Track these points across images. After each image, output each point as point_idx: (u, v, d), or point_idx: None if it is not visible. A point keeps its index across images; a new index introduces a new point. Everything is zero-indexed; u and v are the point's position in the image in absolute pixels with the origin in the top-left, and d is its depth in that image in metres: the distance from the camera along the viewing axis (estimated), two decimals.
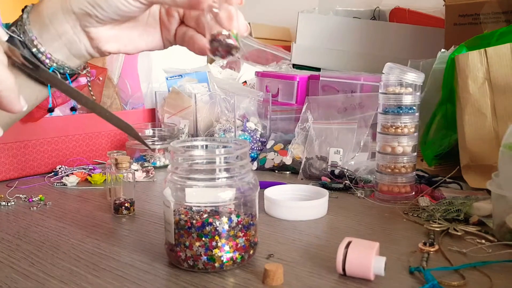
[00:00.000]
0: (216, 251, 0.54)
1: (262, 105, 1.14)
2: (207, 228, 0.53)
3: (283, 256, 0.60)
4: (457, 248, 0.61)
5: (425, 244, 0.62)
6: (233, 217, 0.55)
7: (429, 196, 0.79)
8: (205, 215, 0.55)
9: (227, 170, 0.55)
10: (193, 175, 0.54)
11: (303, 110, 1.05)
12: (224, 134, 1.11)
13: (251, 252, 0.57)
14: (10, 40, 0.52)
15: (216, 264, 0.54)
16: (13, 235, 0.68)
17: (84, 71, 0.59)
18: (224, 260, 0.54)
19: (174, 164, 0.56)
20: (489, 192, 0.77)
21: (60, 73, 0.55)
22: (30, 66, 0.51)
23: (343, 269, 0.53)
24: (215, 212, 0.55)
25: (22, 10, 0.54)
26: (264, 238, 0.65)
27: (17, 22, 0.53)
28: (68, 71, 0.56)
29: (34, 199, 0.84)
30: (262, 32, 1.66)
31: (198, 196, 0.54)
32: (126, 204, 0.76)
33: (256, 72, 1.23)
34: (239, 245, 0.55)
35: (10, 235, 0.68)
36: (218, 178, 0.54)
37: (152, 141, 1.10)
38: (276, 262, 0.56)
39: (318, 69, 1.22)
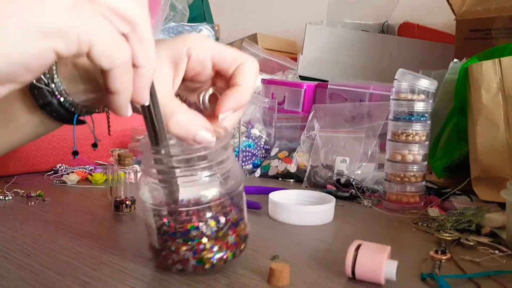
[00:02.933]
0: (204, 253, 0.49)
1: (268, 112, 1.12)
2: (192, 232, 0.48)
3: (288, 258, 0.57)
4: (469, 257, 0.59)
5: (436, 252, 0.59)
6: (221, 218, 0.50)
7: (438, 207, 0.77)
8: (188, 218, 0.49)
9: (208, 167, 0.48)
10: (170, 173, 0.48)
11: (310, 118, 1.04)
12: None
13: (242, 247, 0.53)
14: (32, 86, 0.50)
15: (206, 266, 0.50)
16: (9, 228, 0.66)
17: (104, 111, 0.58)
18: (215, 262, 0.50)
19: (148, 163, 0.50)
20: (500, 205, 0.76)
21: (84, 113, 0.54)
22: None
23: (353, 272, 0.51)
24: (199, 212, 0.49)
25: None
26: (268, 241, 0.63)
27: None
28: (91, 112, 0.55)
29: (32, 194, 0.82)
30: (268, 43, 1.65)
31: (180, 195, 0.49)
32: (127, 202, 0.74)
33: (262, 79, 1.22)
34: (229, 243, 0.50)
35: (6, 228, 0.66)
36: (199, 175, 0.48)
37: None
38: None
39: (325, 82, 1.21)
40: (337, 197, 0.85)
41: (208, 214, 0.49)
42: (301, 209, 0.72)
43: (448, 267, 0.56)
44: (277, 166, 1.03)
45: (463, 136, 0.87)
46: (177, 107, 0.47)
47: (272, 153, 1.07)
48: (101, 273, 0.52)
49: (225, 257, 0.50)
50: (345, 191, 0.88)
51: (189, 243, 0.49)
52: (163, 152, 0.47)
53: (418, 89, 0.76)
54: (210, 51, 0.50)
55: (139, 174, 0.94)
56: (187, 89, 0.53)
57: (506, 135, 0.78)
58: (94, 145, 0.60)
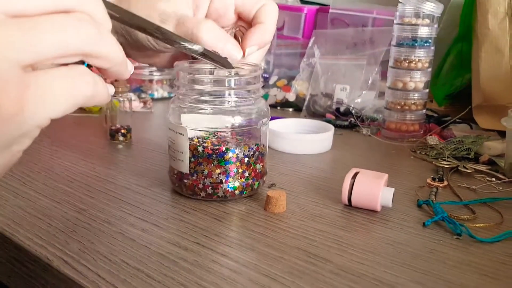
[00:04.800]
0: (237, 177, 0.51)
1: None
2: (228, 154, 0.50)
3: (285, 186, 0.57)
4: (466, 185, 0.59)
5: (433, 179, 0.59)
6: (252, 145, 0.52)
7: (438, 135, 0.76)
8: (223, 140, 0.51)
9: (243, 94, 0.51)
10: (206, 97, 0.50)
11: (310, 45, 1.00)
12: None
13: (264, 178, 0.55)
14: None
15: (237, 192, 0.51)
16: None
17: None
18: (244, 187, 0.52)
19: (181, 86, 0.51)
20: (500, 133, 0.75)
21: None
22: None
23: (349, 200, 0.51)
24: (234, 136, 0.52)
25: None
26: (267, 168, 0.63)
27: None
28: None
29: None
30: None
31: (211, 121, 0.50)
32: (122, 131, 0.73)
33: None
34: (257, 171, 0.53)
35: None
36: (233, 100, 0.50)
37: (150, 72, 1.05)
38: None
39: (327, 5, 1.16)
40: (336, 125, 0.84)
41: (242, 139, 0.52)
42: (299, 137, 0.72)
43: (445, 194, 0.56)
44: (275, 95, 1.01)
45: (466, 63, 0.84)
46: (206, 20, 0.48)
47: (271, 82, 1.05)
48: (97, 200, 0.52)
49: (253, 184, 0.52)
50: (344, 120, 0.87)
51: (224, 165, 0.50)
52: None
53: (423, 13, 0.73)
54: None
55: (133, 103, 0.93)
56: None
57: (511, 62, 0.76)
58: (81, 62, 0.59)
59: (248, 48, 0.50)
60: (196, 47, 0.44)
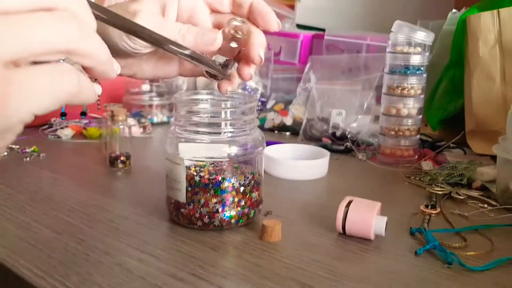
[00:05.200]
0: (232, 206, 0.52)
1: (264, 64, 1.10)
2: (224, 184, 0.51)
3: (281, 213, 0.58)
4: (459, 211, 0.60)
5: (426, 206, 0.60)
6: (248, 174, 0.53)
7: (432, 160, 0.78)
8: (220, 169, 0.52)
9: (237, 124, 0.52)
10: (203, 128, 0.51)
11: (306, 70, 1.02)
12: None
13: (260, 207, 0.56)
14: None
15: (233, 221, 0.52)
16: (5, 185, 0.66)
17: (95, 82, 0.59)
18: (240, 216, 0.53)
19: (179, 117, 0.53)
20: (492, 158, 0.76)
21: None
22: None
23: (343, 228, 0.52)
24: (230, 165, 0.53)
25: None
26: (263, 195, 0.64)
27: None
28: None
29: (27, 150, 0.82)
30: None
31: (208, 151, 0.52)
32: (121, 158, 0.74)
33: None
34: (252, 199, 0.54)
35: (2, 185, 0.66)
36: (229, 131, 0.52)
37: (149, 97, 1.07)
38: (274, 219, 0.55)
39: (323, 30, 1.19)
40: (332, 150, 0.86)
41: (238, 167, 0.53)
42: (295, 163, 0.73)
43: (438, 221, 0.57)
44: (273, 119, 1.03)
45: (459, 89, 0.86)
46: (182, 25, 0.48)
47: (268, 106, 1.06)
48: (96, 230, 0.53)
49: (249, 213, 0.54)
50: (340, 144, 0.88)
51: (220, 195, 0.51)
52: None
53: (414, 41, 0.75)
54: None
55: (134, 129, 0.94)
56: None
57: (502, 88, 0.78)
58: (83, 113, 0.61)
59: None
60: (185, 51, 0.44)
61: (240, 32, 0.49)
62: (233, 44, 0.49)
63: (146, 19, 0.47)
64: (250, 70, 0.52)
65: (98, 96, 0.37)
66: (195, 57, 0.44)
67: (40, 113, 0.30)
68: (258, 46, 0.50)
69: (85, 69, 0.32)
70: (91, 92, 0.33)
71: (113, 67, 0.34)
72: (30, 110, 0.29)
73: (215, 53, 0.51)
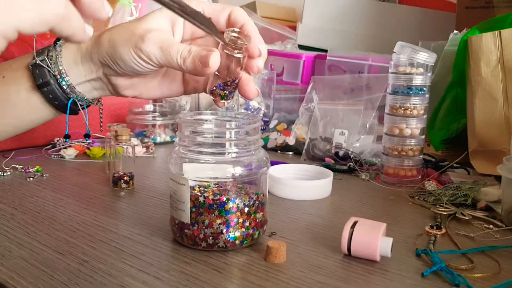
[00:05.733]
0: (237, 227, 0.52)
1: (266, 84, 1.11)
2: (228, 204, 0.51)
3: (286, 234, 0.58)
4: (464, 232, 0.59)
5: (432, 227, 0.60)
6: (252, 194, 0.53)
7: (435, 180, 0.77)
8: (224, 190, 0.53)
9: (243, 144, 0.53)
10: (207, 148, 0.51)
11: (308, 90, 1.03)
12: (226, 113, 1.08)
13: (265, 227, 0.56)
14: (35, 66, 0.56)
15: (237, 242, 0.52)
16: (8, 205, 0.66)
17: (98, 104, 0.64)
18: (245, 237, 0.52)
19: (183, 138, 0.53)
20: (496, 178, 0.76)
21: (79, 104, 0.59)
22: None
23: (348, 249, 0.52)
24: (234, 186, 0.53)
25: (55, 43, 0.57)
26: (267, 216, 0.64)
27: (47, 52, 0.56)
28: (85, 103, 0.60)
29: (30, 170, 0.82)
30: (267, 11, 1.62)
31: (212, 171, 0.52)
32: (125, 178, 0.74)
33: None
34: (257, 220, 0.54)
35: (5, 205, 0.66)
36: (228, 153, 0.52)
37: (153, 117, 1.08)
38: (279, 240, 0.55)
39: (325, 51, 1.20)
40: (335, 170, 0.85)
41: (242, 187, 0.54)
42: (299, 183, 0.73)
43: (443, 242, 0.57)
44: (276, 139, 1.03)
45: (461, 108, 0.86)
46: (185, 45, 0.52)
47: (271, 125, 1.07)
48: (99, 251, 0.52)
49: (254, 234, 0.53)
50: (343, 164, 0.88)
51: (224, 215, 0.51)
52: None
53: (416, 62, 0.75)
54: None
55: (137, 148, 0.94)
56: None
57: (504, 108, 0.78)
58: (87, 136, 0.64)
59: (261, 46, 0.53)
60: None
61: (240, 39, 0.50)
62: (238, 54, 0.51)
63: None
64: (254, 86, 0.55)
65: (89, 34, 0.37)
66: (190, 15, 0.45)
67: (24, 30, 0.30)
68: (259, 48, 0.53)
69: (75, 3, 0.34)
70: (80, 26, 0.33)
71: (103, 5, 0.35)
72: (14, 23, 0.29)
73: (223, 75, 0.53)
